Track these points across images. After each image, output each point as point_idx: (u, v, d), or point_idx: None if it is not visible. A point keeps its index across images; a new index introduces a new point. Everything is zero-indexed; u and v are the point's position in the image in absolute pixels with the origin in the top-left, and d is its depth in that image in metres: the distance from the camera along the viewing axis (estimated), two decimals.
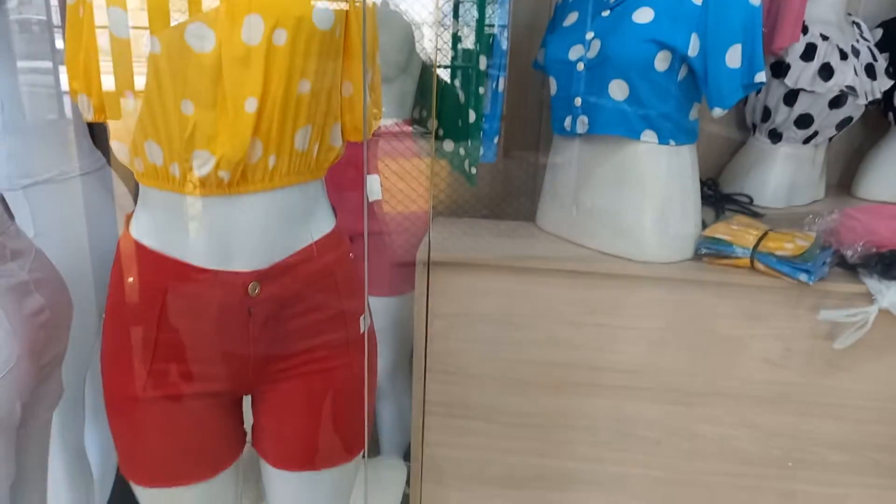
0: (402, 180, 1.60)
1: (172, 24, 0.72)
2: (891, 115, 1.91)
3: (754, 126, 1.87)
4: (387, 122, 1.58)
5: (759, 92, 1.80)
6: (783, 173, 1.84)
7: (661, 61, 1.28)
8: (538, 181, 1.65)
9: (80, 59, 0.81)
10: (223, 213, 0.81)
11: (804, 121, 1.75)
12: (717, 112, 1.29)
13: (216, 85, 0.75)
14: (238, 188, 0.80)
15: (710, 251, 1.40)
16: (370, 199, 1.53)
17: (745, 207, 1.79)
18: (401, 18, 1.56)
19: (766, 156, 1.85)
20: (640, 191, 1.39)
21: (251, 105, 0.77)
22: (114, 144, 0.83)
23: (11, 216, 0.96)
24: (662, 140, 1.35)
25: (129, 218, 0.88)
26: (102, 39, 0.77)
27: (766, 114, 1.79)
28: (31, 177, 1.24)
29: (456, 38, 1.53)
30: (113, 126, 0.82)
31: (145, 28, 0.72)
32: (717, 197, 1.82)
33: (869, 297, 1.31)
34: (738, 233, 1.41)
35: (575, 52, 1.38)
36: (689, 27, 1.24)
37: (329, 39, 0.80)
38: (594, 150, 1.42)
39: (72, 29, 0.81)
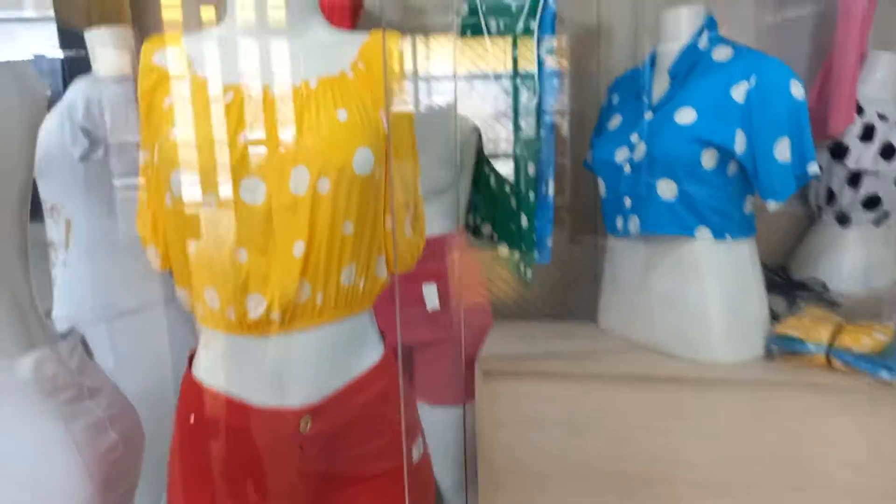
0: (460, 286, 1.62)
1: (225, 180, 0.78)
2: None
3: (819, 209, 1.81)
4: (442, 230, 1.61)
5: (821, 174, 1.76)
6: (856, 256, 1.76)
7: (709, 159, 1.27)
8: (599, 279, 1.64)
9: (149, 214, 0.89)
10: (276, 351, 0.85)
11: (872, 202, 1.68)
12: (772, 206, 1.27)
13: (267, 232, 0.80)
14: (289, 326, 0.84)
15: (782, 349, 1.34)
16: (428, 308, 1.55)
17: (820, 294, 1.71)
18: (457, 128, 1.61)
19: (836, 239, 1.78)
20: (700, 289, 1.36)
21: (299, 249, 0.81)
22: (178, 291, 0.89)
23: (90, 354, 1.03)
24: (718, 236, 1.33)
25: (191, 357, 0.93)
26: (167, 197, 0.84)
27: (831, 196, 1.74)
28: (114, 309, 1.33)
29: (503, 147, 1.58)
30: (176, 274, 0.89)
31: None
32: (789, 284, 1.75)
33: None
34: (811, 327, 1.34)
35: (621, 154, 1.39)
36: (734, 124, 1.24)
37: (369, 182, 0.85)
38: (649, 249, 1.41)
39: (142, 187, 0.89)
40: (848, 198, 1.70)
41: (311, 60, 0.86)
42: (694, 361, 1.36)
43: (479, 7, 1.53)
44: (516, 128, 1.53)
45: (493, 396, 1.42)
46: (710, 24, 1.35)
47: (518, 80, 1.51)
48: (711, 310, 1.35)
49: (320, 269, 0.83)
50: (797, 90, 1.22)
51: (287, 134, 0.80)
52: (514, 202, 1.59)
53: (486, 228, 1.68)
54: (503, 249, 1.66)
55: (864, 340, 1.28)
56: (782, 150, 1.22)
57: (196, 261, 0.84)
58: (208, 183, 0.79)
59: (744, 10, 1.81)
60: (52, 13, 1.64)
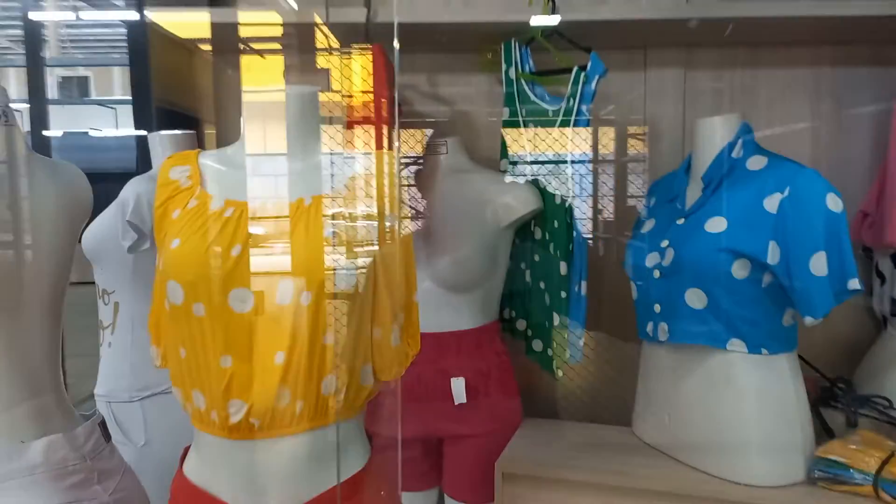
0: (491, 382, 1.60)
1: (217, 289, 0.83)
2: None
3: (885, 319, 1.70)
4: (475, 323, 1.60)
5: (884, 283, 1.65)
6: None
7: (740, 269, 1.23)
8: (635, 383, 1.58)
9: (154, 317, 0.96)
10: (255, 455, 0.87)
11: None
12: (809, 321, 1.20)
13: (251, 340, 0.84)
14: (268, 432, 0.86)
15: (825, 475, 1.24)
16: (455, 403, 1.54)
17: (884, 412, 1.58)
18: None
19: None
20: (735, 405, 1.29)
21: (279, 358, 0.84)
22: (174, 389, 0.94)
23: (108, 437, 1.08)
24: (753, 349, 1.26)
25: (184, 454, 0.97)
26: (166, 303, 0.90)
27: (895, 306, 1.63)
28: (148, 389, 1.40)
29: (537, 244, 1.58)
30: (171, 374, 0.94)
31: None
32: (850, 400, 1.63)
33: None
34: (858, 454, 1.24)
35: (651, 260, 1.37)
36: (766, 235, 1.20)
37: (353, 297, 0.88)
38: (682, 357, 1.36)
39: (153, 290, 0.96)
40: None
41: (309, 179, 0.91)
42: (729, 482, 1.28)
43: (518, 111, 1.57)
44: (550, 227, 1.54)
45: (513, 500, 1.37)
46: (746, 132, 1.33)
47: (550, 184, 1.53)
48: (747, 428, 1.28)
49: (300, 377, 0.86)
50: (834, 203, 1.17)
51: (278, 248, 0.84)
52: (547, 299, 1.58)
53: (521, 324, 1.67)
54: (536, 345, 1.64)
55: None
56: (818, 265, 1.17)
57: (186, 364, 0.88)
58: (200, 292, 0.84)
59: (800, 111, 1.77)
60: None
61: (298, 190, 0.90)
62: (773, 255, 1.19)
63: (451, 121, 1.80)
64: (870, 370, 1.72)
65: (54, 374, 0.99)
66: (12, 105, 0.95)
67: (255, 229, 0.86)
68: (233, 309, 0.85)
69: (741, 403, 1.28)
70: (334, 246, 0.86)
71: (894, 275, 1.60)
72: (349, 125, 1.42)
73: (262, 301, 0.85)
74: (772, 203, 1.20)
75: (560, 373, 1.60)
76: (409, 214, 1.60)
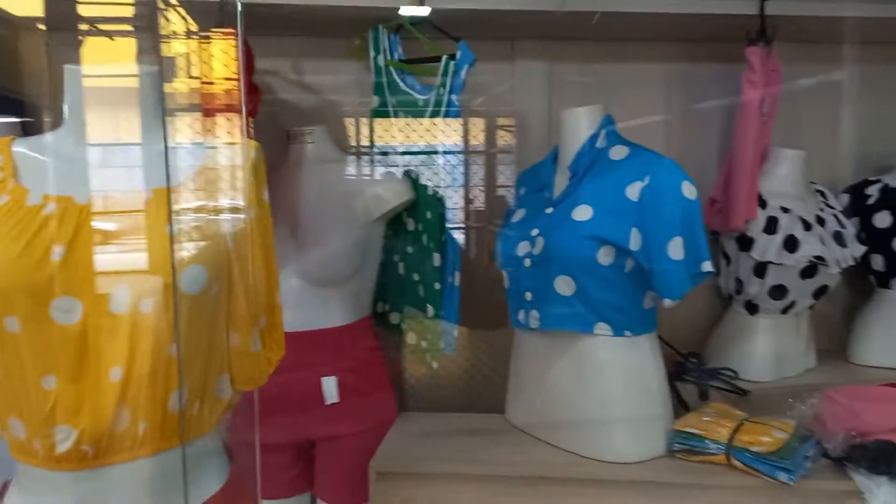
0: (364, 378, 1.56)
1: (35, 299, 0.73)
2: (872, 278, 1.87)
3: (730, 297, 1.84)
4: (345, 320, 1.55)
5: (729, 263, 1.78)
6: (766, 345, 1.77)
7: (605, 256, 1.27)
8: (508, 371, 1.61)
9: None
10: (89, 487, 0.77)
11: (778, 292, 1.71)
12: (668, 303, 1.26)
13: (81, 357, 0.74)
14: (105, 460, 0.77)
15: (683, 447, 1.31)
16: (327, 402, 1.49)
17: (730, 383, 1.71)
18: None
19: (746, 327, 1.80)
20: (600, 386, 1.33)
21: (116, 374, 0.75)
22: None
23: None
24: (617, 332, 1.32)
25: (4, 487, 0.84)
26: None
27: (740, 286, 1.76)
28: None
29: (410, 236, 1.56)
30: None
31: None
32: (701, 373, 1.75)
33: (859, 496, 1.20)
34: (711, 425, 1.32)
35: (522, 248, 1.38)
36: (628, 223, 1.25)
37: (201, 300, 0.80)
38: (551, 343, 1.39)
39: None
40: (755, 287, 1.72)
41: (149, 170, 0.82)
42: (596, 461, 1.32)
43: (387, 101, 1.54)
44: (423, 218, 1.52)
45: (387, 499, 1.35)
46: (608, 123, 1.37)
47: (422, 175, 1.51)
48: (612, 406, 1.33)
49: (141, 395, 0.77)
50: (689, 191, 1.23)
51: (112, 249, 0.75)
52: (421, 291, 1.56)
53: (395, 317, 1.64)
54: (411, 338, 1.63)
55: (763, 439, 1.26)
56: (675, 249, 1.23)
57: (4, 394, 0.76)
58: (14, 303, 0.73)
59: (656, 104, 1.87)
60: None
61: (137, 182, 0.80)
62: (634, 242, 1.24)
63: (318, 109, 1.73)
64: (718, 344, 1.86)
65: None
66: None
67: (83, 228, 0.76)
68: (55, 321, 0.75)
69: (607, 385, 1.33)
70: (180, 245, 0.78)
71: (738, 256, 1.73)
72: (205, 113, 1.32)
73: (93, 311, 0.75)
74: (633, 191, 1.25)
75: (435, 364, 1.59)
76: (272, 207, 1.51)
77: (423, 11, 1.47)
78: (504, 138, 1.83)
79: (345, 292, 1.51)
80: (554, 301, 1.32)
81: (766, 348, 1.78)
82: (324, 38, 1.65)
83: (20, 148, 0.84)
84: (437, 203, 1.50)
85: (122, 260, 0.76)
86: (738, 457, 1.25)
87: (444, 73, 1.43)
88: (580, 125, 1.37)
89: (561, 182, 1.39)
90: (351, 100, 1.72)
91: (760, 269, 1.69)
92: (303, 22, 1.57)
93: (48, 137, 0.86)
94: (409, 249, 1.58)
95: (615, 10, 1.54)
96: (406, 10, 1.48)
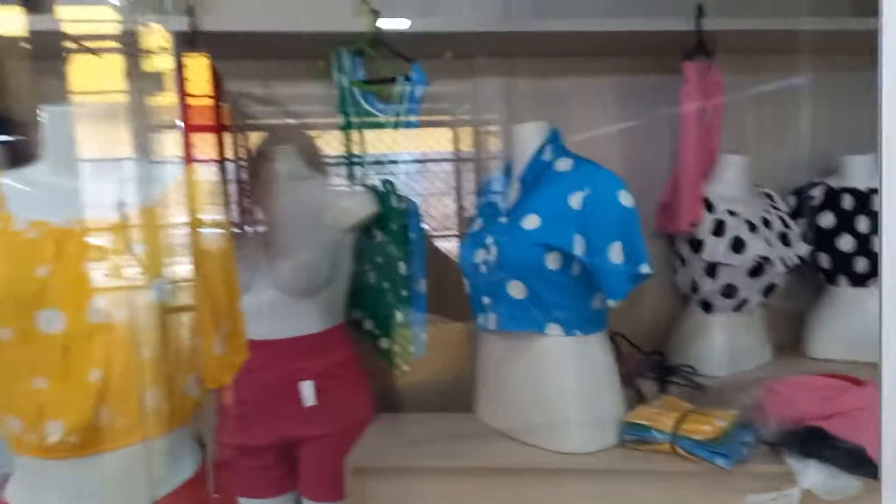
0: (340, 382, 1.65)
1: (22, 312, 0.83)
2: (821, 275, 1.97)
3: (687, 297, 1.93)
4: (321, 326, 1.65)
5: (684, 265, 1.88)
6: (721, 341, 1.87)
7: (552, 261, 1.36)
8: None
9: None
10: (79, 474, 0.88)
11: (729, 291, 1.80)
12: (612, 303, 1.36)
13: (64, 361, 0.85)
14: (90, 449, 0.88)
15: (632, 437, 1.40)
16: (305, 405, 1.58)
17: (688, 378, 1.80)
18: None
19: (702, 325, 1.89)
20: (554, 382, 1.43)
21: (95, 375, 0.86)
22: None
23: None
24: (568, 332, 1.41)
25: (3, 480, 0.95)
26: None
27: (694, 286, 1.86)
28: None
29: (378, 246, 1.66)
30: None
31: None
32: (661, 370, 1.84)
33: (791, 477, 1.29)
34: (658, 416, 1.41)
35: (479, 255, 1.48)
36: (572, 230, 1.34)
37: (167, 310, 0.90)
38: (509, 344, 1.48)
39: None
40: (708, 286, 1.82)
41: (120, 195, 0.92)
42: (553, 452, 1.41)
43: (350, 118, 1.63)
44: (388, 229, 1.62)
45: (364, 493, 1.44)
46: (554, 137, 1.47)
47: (386, 185, 1.61)
48: (565, 402, 1.42)
49: (118, 393, 0.88)
50: (626, 199, 1.33)
51: (87, 267, 0.85)
52: (390, 298, 1.65)
53: (368, 323, 1.73)
54: (383, 343, 1.72)
55: (704, 428, 1.35)
56: (616, 253, 1.32)
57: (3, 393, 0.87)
58: (5, 316, 0.84)
59: (608, 115, 1.97)
60: None
61: (107, 206, 0.91)
62: (578, 247, 1.34)
63: (286, 127, 1.82)
64: (677, 343, 1.96)
65: None
66: None
67: (62, 248, 0.86)
68: (41, 330, 0.85)
69: (561, 381, 1.42)
70: (147, 260, 0.88)
71: (691, 258, 1.83)
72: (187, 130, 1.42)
73: (74, 320, 0.85)
74: (576, 200, 1.35)
75: (406, 368, 1.68)
76: (244, 222, 1.61)
77: (379, 31, 1.57)
78: (465, 150, 1.93)
79: (318, 301, 1.61)
80: (508, 304, 1.42)
81: (721, 344, 1.87)
82: (291, 60, 1.75)
83: (5, 180, 0.96)
84: (402, 214, 1.60)
85: (97, 275, 0.86)
86: (680, 445, 1.34)
87: (401, 92, 1.53)
88: (528, 139, 1.47)
89: (512, 193, 1.49)
90: (317, 117, 1.82)
91: (711, 270, 1.79)
92: (270, 46, 1.66)
93: (29, 170, 0.96)
94: (378, 259, 1.67)
95: (560, 31, 1.64)
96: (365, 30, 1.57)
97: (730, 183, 1.82)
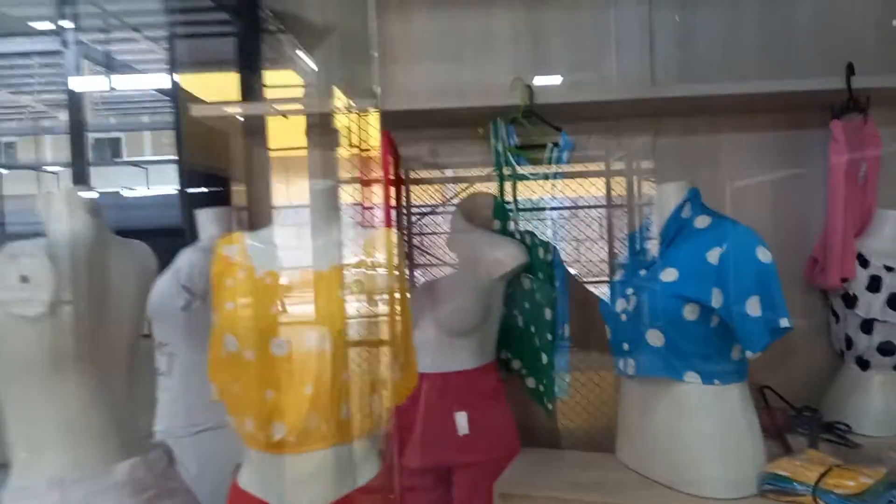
0: (490, 415, 1.82)
1: (260, 339, 1.10)
2: None
3: (842, 353, 1.90)
4: (475, 363, 1.84)
5: (839, 321, 1.86)
6: (879, 400, 1.81)
7: (690, 313, 1.46)
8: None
9: (212, 362, 1.22)
10: (292, 466, 1.14)
11: (887, 349, 1.76)
12: (750, 355, 1.42)
13: (288, 377, 1.11)
14: (302, 447, 1.14)
15: (772, 487, 1.44)
16: (459, 434, 1.76)
17: (842, 436, 1.77)
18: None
19: (859, 383, 1.85)
20: (693, 429, 1.50)
21: (308, 389, 1.11)
22: (228, 417, 1.21)
23: (174, 462, 1.34)
24: (706, 381, 1.48)
25: (236, 469, 1.23)
26: (222, 351, 1.17)
27: (849, 342, 1.83)
28: (199, 426, 1.66)
29: (526, 293, 1.83)
30: (227, 405, 1.20)
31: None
32: (814, 426, 1.82)
33: None
34: (801, 469, 1.44)
35: (620, 304, 1.60)
36: (710, 283, 1.43)
37: (362, 343, 1.14)
38: (649, 389, 1.58)
39: (210, 341, 1.23)
40: (864, 343, 1.79)
41: (328, 252, 1.20)
42: (691, 496, 1.48)
43: (504, 177, 1.84)
44: (535, 278, 1.79)
45: None
46: (694, 195, 1.57)
47: (534, 238, 1.79)
48: (703, 448, 1.48)
49: (324, 405, 1.13)
50: (764, 255, 1.40)
51: (306, 306, 1.12)
52: (537, 341, 1.82)
53: (516, 363, 1.90)
54: (530, 382, 1.87)
55: (848, 483, 1.36)
56: (753, 307, 1.39)
57: (238, 397, 1.16)
58: (250, 342, 1.12)
59: (756, 169, 2.01)
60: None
61: (321, 260, 1.18)
62: (716, 300, 1.42)
63: (450, 185, 2.07)
64: (833, 399, 1.92)
65: (131, 411, 1.25)
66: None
67: (288, 292, 1.14)
68: (273, 353, 1.13)
69: (700, 428, 1.49)
70: (348, 303, 1.12)
71: (846, 314, 1.81)
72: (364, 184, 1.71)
73: (295, 347, 1.12)
74: (713, 255, 1.44)
75: (550, 406, 1.82)
76: (414, 268, 1.87)
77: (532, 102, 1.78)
78: (614, 202, 2.06)
79: (472, 340, 1.81)
80: (647, 351, 1.52)
81: (879, 404, 1.82)
82: (455, 128, 2.00)
83: (249, 240, 1.27)
84: (548, 265, 1.76)
85: (312, 314, 1.12)
86: (823, 498, 1.36)
87: (550, 157, 1.72)
88: (669, 198, 1.58)
89: (653, 247, 1.60)
90: (478, 176, 2.05)
91: (867, 326, 1.76)
92: (437, 117, 1.93)
93: (264, 231, 1.28)
94: (525, 304, 1.84)
95: (707, 94, 1.74)
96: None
97: (886, 238, 1.79)
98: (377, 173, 1.67)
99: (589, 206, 2.10)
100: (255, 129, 1.93)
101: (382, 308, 1.20)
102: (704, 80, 1.93)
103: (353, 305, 1.14)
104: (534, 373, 1.85)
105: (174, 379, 1.72)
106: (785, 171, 2.00)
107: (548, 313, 1.76)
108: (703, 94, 1.78)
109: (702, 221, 1.52)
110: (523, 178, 1.79)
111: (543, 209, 1.83)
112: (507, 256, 1.77)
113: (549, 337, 1.76)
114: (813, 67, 1.83)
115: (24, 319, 1.07)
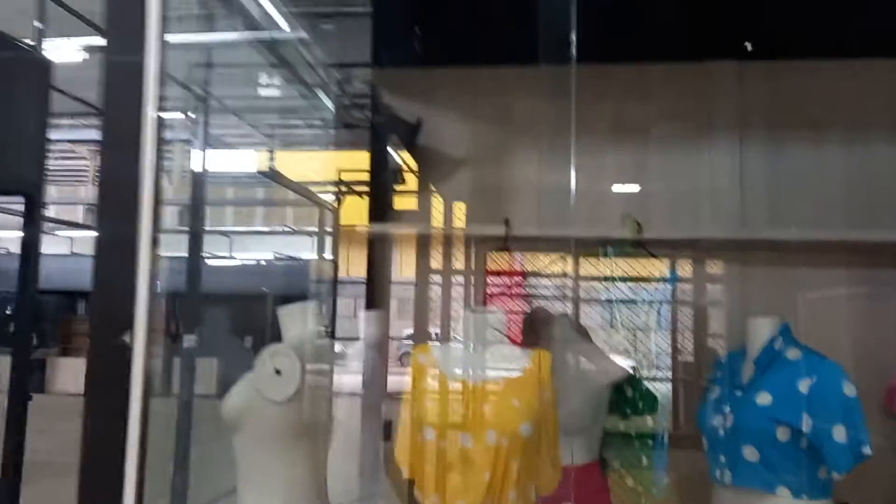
0: None
1: (452, 434, 1.42)
2: None
3: None
4: (583, 460, 2.09)
5: None
6: None
7: (783, 434, 1.69)
8: None
9: (408, 447, 1.53)
10: None
11: None
12: (836, 476, 1.64)
13: (470, 465, 1.41)
14: None
15: None
16: None
17: None
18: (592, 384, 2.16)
19: None
20: None
21: (486, 476, 1.43)
22: (416, 492, 1.52)
23: None
24: (796, 496, 1.69)
25: None
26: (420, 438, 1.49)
27: None
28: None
29: (628, 401, 2.09)
30: (417, 482, 1.51)
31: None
32: None
33: None
34: None
35: (717, 420, 1.84)
36: (800, 409, 1.67)
37: (529, 442, 1.46)
38: (743, 499, 1.78)
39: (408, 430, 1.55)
40: None
41: (501, 366, 1.52)
42: None
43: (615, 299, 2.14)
44: (638, 388, 2.05)
45: None
46: (785, 330, 1.83)
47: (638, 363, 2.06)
48: None
49: (497, 489, 1.43)
50: (849, 388, 1.64)
51: (486, 411, 1.43)
52: (636, 445, 2.06)
53: (616, 463, 2.14)
54: (629, 482, 2.11)
55: None
56: (839, 434, 1.62)
57: (430, 477, 1.48)
58: (444, 434, 1.44)
59: (840, 303, 2.24)
60: None
61: (495, 373, 1.51)
62: (806, 425, 1.66)
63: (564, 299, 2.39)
64: None
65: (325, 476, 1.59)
66: None
67: (472, 398, 1.46)
68: (462, 445, 1.44)
69: None
70: (518, 409, 1.43)
71: None
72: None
73: (479, 442, 1.43)
74: (804, 385, 1.68)
75: None
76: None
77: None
78: (712, 327, 2.32)
79: (581, 439, 2.07)
80: (742, 464, 1.75)
81: None
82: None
83: (436, 352, 1.61)
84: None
85: (490, 417, 1.43)
86: None
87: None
88: (762, 331, 1.84)
89: (747, 371, 1.85)
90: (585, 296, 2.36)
91: None
92: (553, 242, 2.26)
93: (453, 345, 1.61)
94: (628, 411, 2.10)
95: (792, 239, 2.02)
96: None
97: None
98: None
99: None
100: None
101: (539, 411, 1.50)
102: (791, 220, 2.20)
103: (524, 411, 1.45)
104: (633, 474, 2.09)
105: None
106: (865, 304, 2.22)
107: (649, 421, 2.01)
108: (789, 238, 2.05)
109: (793, 353, 1.77)
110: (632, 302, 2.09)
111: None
112: (613, 367, 2.05)
113: (650, 442, 2.01)
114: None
115: (274, 403, 1.44)
